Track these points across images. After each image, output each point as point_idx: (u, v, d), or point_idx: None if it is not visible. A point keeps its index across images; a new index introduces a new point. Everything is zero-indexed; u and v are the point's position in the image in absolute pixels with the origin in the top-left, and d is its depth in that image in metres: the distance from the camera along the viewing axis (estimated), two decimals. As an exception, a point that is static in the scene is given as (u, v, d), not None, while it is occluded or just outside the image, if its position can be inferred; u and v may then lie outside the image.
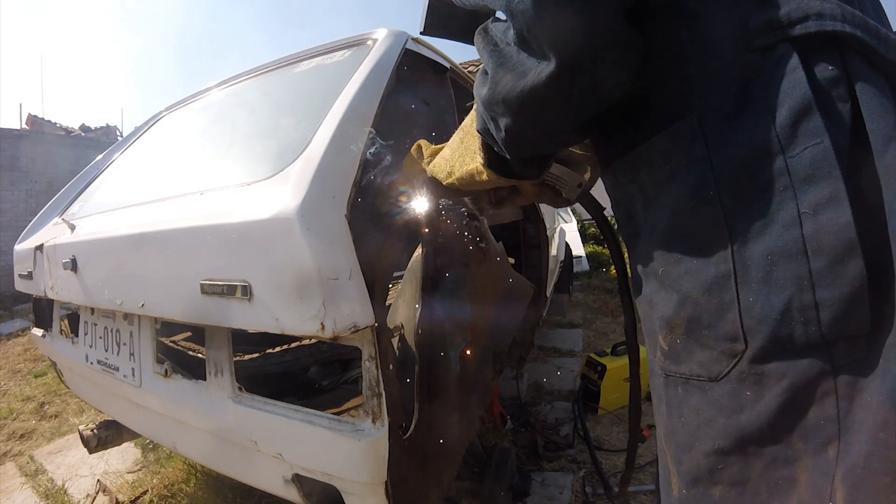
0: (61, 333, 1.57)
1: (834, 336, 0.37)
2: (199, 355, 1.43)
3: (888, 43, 0.39)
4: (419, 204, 0.92)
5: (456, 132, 0.66)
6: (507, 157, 0.53)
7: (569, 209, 6.25)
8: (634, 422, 0.85)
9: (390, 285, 0.88)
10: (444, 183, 0.68)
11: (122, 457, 2.03)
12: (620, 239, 0.62)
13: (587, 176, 0.67)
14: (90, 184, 1.77)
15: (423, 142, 0.76)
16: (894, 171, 0.35)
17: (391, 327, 0.86)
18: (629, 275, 0.60)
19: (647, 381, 0.59)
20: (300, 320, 0.73)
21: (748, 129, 0.40)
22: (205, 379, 0.98)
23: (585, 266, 5.58)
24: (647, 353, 0.55)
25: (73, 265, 1.20)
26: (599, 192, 0.62)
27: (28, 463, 2.11)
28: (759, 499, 0.42)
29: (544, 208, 2.29)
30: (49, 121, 10.47)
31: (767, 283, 0.39)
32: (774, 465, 0.41)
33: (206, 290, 0.83)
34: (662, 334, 0.48)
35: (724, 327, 0.41)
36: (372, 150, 0.87)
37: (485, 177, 0.59)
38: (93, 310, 1.32)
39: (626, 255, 0.64)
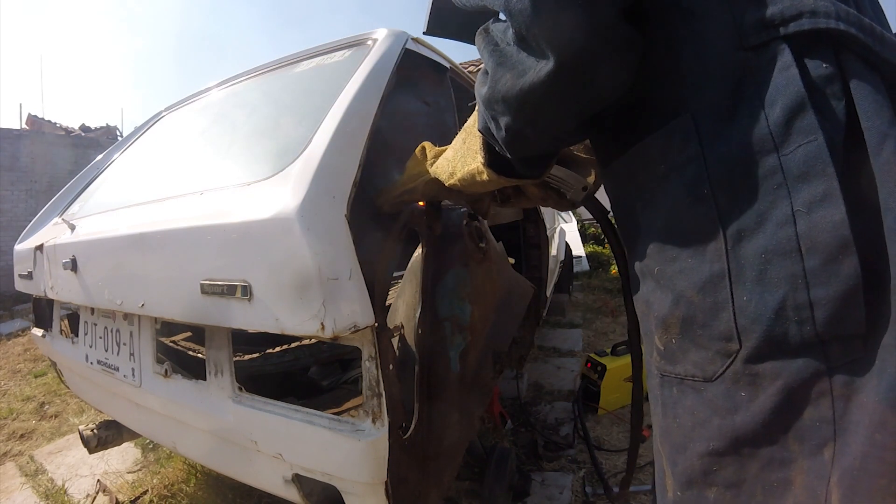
0: (61, 333, 1.57)
1: (829, 335, 0.37)
2: (199, 355, 1.43)
3: (884, 41, 0.39)
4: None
5: (459, 133, 0.66)
6: (508, 156, 0.53)
7: (569, 209, 6.25)
8: (636, 423, 0.85)
9: (390, 285, 0.88)
10: (446, 184, 0.69)
11: (122, 457, 2.03)
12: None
13: (591, 178, 0.67)
14: (90, 184, 1.77)
15: (427, 144, 0.76)
16: (890, 168, 0.35)
17: (391, 327, 0.86)
18: (628, 275, 0.60)
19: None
20: (300, 320, 0.73)
21: (742, 127, 0.40)
22: (205, 379, 0.98)
23: (585, 266, 5.58)
24: (644, 354, 0.55)
25: (73, 265, 1.20)
26: (600, 192, 0.63)
27: (28, 463, 2.11)
28: (755, 501, 0.42)
29: (544, 208, 2.29)
30: (49, 121, 10.47)
31: (762, 282, 0.39)
32: (770, 467, 0.41)
33: (206, 290, 0.83)
34: (658, 334, 0.48)
35: (719, 327, 0.41)
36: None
37: (485, 177, 0.59)
38: (93, 310, 1.32)
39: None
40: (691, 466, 0.45)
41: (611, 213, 0.72)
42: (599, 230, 7.00)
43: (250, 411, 0.89)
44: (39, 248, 1.42)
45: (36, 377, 3.24)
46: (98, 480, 1.84)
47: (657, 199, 0.47)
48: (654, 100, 0.47)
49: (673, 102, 0.45)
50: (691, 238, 0.43)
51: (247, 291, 0.77)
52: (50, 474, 1.98)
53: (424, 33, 0.75)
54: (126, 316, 1.18)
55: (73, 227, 1.35)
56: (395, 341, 0.91)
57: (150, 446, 2.07)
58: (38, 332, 1.68)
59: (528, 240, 2.03)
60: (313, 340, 1.34)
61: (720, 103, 0.42)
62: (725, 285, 0.41)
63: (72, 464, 2.05)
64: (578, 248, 5.55)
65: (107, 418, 1.55)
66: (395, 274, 1.05)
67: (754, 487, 0.42)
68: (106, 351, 1.26)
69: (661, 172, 0.46)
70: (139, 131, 1.96)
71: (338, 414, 0.85)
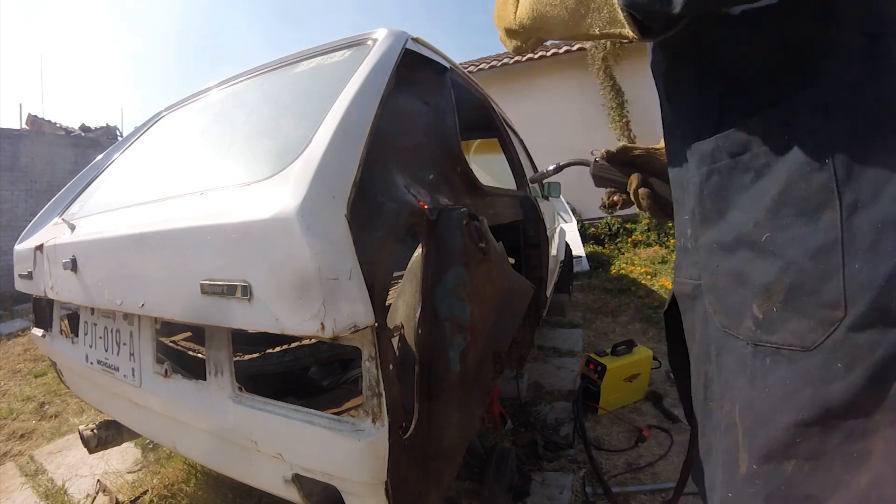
0: (61, 333, 1.57)
1: None
2: (199, 355, 1.43)
3: None
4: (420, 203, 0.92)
5: None
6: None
7: (568, 209, 6.26)
8: (691, 454, 0.83)
9: (390, 285, 0.88)
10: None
11: (122, 457, 2.03)
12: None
13: None
14: (90, 184, 1.77)
15: None
16: None
17: (391, 327, 0.86)
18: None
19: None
20: (300, 320, 0.73)
21: (869, 102, 0.43)
22: (205, 379, 0.98)
23: (585, 266, 5.58)
24: (719, 328, 0.56)
25: (73, 265, 1.20)
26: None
27: (28, 463, 2.11)
28: (832, 474, 0.43)
29: (544, 208, 2.29)
30: (49, 121, 10.48)
31: (874, 252, 0.40)
32: (851, 439, 0.42)
33: (206, 290, 0.83)
34: (758, 302, 0.49)
35: (828, 293, 0.43)
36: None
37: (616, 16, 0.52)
38: (93, 310, 1.32)
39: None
40: (774, 438, 0.46)
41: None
42: (599, 230, 7.00)
43: (250, 411, 0.89)
44: (39, 248, 1.42)
45: (36, 377, 3.24)
46: (98, 480, 1.84)
47: (774, 167, 0.48)
48: (778, 73, 0.49)
49: (799, 76, 0.47)
50: (807, 206, 0.45)
51: (247, 291, 0.77)
52: (50, 474, 1.98)
53: None
54: (126, 316, 1.18)
55: (73, 227, 1.35)
56: (395, 341, 0.91)
57: (150, 446, 2.07)
58: (38, 332, 1.68)
59: (528, 240, 2.03)
60: (313, 340, 1.34)
61: (850, 80, 0.44)
62: (838, 253, 0.42)
63: (72, 464, 2.05)
64: (578, 248, 5.54)
65: (107, 418, 1.55)
66: (395, 274, 1.05)
67: (833, 460, 0.43)
68: (106, 351, 1.26)
69: (782, 143, 0.47)
70: (139, 131, 1.96)
71: (338, 414, 0.85)
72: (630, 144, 0.86)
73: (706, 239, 0.57)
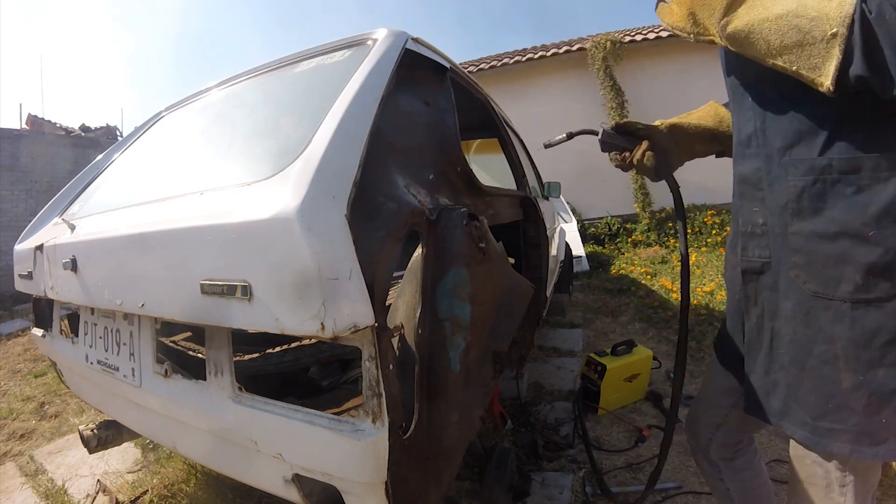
0: (61, 333, 1.57)
1: None
2: (199, 355, 1.43)
3: None
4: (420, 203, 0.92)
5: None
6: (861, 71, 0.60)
7: (568, 209, 6.26)
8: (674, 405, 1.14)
9: (390, 285, 0.88)
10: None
11: (122, 457, 2.04)
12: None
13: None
14: (90, 184, 1.77)
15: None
16: None
17: (391, 327, 0.86)
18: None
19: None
20: (300, 320, 0.73)
21: None
22: (205, 379, 0.98)
23: (585, 266, 5.58)
24: (811, 292, 0.76)
25: (73, 265, 1.20)
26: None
27: (28, 463, 2.11)
28: None
29: (544, 208, 2.29)
30: (49, 121, 10.49)
31: None
32: None
33: (206, 290, 0.83)
34: (860, 274, 0.71)
35: None
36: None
37: (820, 77, 0.64)
38: (93, 310, 1.32)
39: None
40: (872, 356, 0.70)
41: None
42: (599, 230, 7.01)
43: (250, 411, 0.89)
44: (39, 248, 1.42)
45: (36, 377, 3.24)
46: (98, 480, 1.84)
47: (874, 188, 0.69)
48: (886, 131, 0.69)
49: None
50: None
51: (247, 291, 0.77)
52: (50, 474, 1.98)
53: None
54: (126, 316, 1.18)
55: (73, 227, 1.35)
56: (395, 341, 0.91)
57: (150, 446, 2.07)
58: (38, 332, 1.68)
59: (528, 240, 2.02)
60: (313, 340, 1.34)
61: None
62: None
63: (72, 464, 2.05)
64: (578, 248, 5.55)
65: (107, 418, 1.55)
66: (395, 274, 1.05)
67: None
68: (106, 351, 1.26)
69: (885, 177, 0.69)
70: (139, 131, 1.96)
71: (338, 414, 0.85)
72: (634, 121, 1.07)
73: (799, 227, 0.77)
